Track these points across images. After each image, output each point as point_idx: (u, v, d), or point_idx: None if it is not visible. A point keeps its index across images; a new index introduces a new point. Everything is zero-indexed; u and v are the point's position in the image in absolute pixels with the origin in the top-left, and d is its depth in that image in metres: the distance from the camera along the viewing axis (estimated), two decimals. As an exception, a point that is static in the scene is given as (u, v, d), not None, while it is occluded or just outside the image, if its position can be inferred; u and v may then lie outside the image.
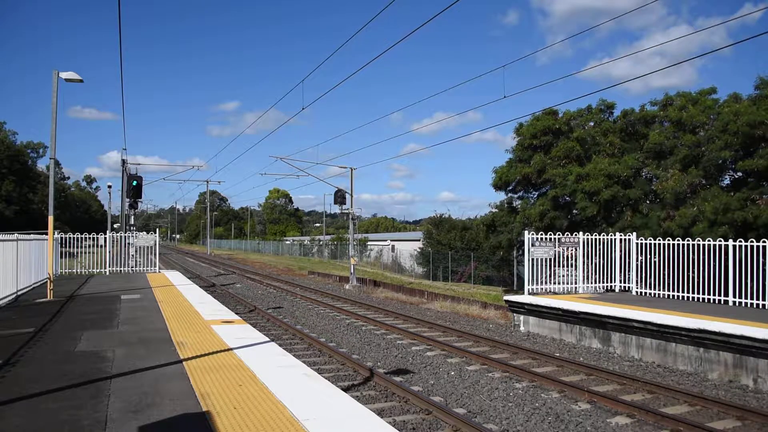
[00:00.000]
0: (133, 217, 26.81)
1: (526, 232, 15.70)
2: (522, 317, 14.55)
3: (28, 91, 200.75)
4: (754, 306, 12.21)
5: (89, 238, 23.27)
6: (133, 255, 22.19)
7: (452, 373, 9.98)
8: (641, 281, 15.12)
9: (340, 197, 29.28)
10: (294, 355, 7.62)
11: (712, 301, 12.97)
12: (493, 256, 30.68)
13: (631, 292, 15.26)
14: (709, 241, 13.29)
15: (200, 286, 18.16)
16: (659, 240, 14.44)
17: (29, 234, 16.20)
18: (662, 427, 7.16)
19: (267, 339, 8.27)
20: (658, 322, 10.69)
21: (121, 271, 21.66)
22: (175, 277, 20.28)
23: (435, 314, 18.02)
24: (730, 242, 12.80)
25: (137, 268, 21.89)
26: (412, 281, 30.45)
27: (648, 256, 14.84)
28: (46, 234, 14.67)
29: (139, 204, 29.94)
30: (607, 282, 15.62)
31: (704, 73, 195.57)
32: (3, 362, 6.51)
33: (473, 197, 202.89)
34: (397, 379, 9.27)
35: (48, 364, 6.53)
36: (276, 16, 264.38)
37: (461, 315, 17.99)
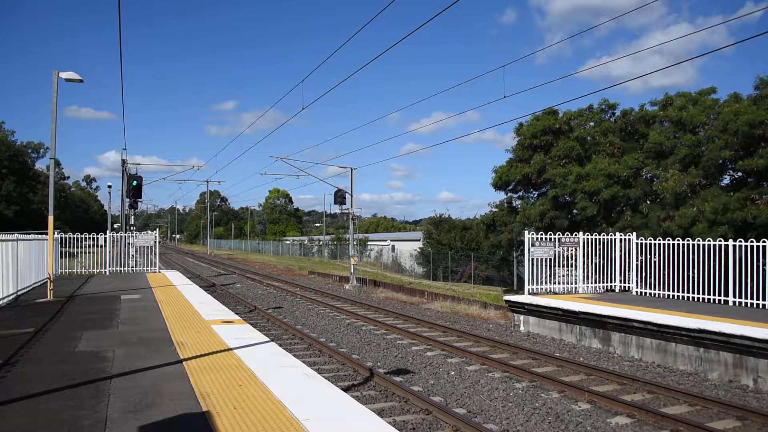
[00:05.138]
0: (133, 217, 26.80)
1: (526, 232, 15.70)
2: (522, 317, 14.54)
3: (28, 91, 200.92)
4: (754, 306, 12.21)
5: (89, 238, 23.27)
6: (133, 255, 22.17)
7: (452, 373, 9.98)
8: (641, 281, 15.12)
9: (340, 197, 29.28)
10: (294, 355, 7.62)
11: (712, 301, 12.97)
12: (493, 256, 30.68)
13: (631, 292, 15.26)
14: (708, 241, 13.29)
15: (200, 286, 18.15)
16: (659, 240, 14.43)
17: (29, 234, 16.19)
18: (662, 427, 7.16)
19: (267, 339, 8.26)
20: (658, 322, 10.69)
21: (121, 271, 21.65)
22: (175, 277, 20.27)
23: (435, 314, 18.02)
24: (730, 242, 12.80)
25: (137, 268, 21.89)
26: (412, 281, 30.45)
27: (648, 256, 14.84)
28: (46, 234, 14.67)
29: (139, 204, 29.96)
30: (607, 282, 15.62)
31: (704, 72, 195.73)
32: (3, 362, 6.51)
33: (473, 197, 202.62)
34: (397, 379, 9.27)
35: (48, 364, 6.53)
36: (276, 16, 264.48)
37: (461, 315, 17.99)
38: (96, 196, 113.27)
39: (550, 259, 14.94)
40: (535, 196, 25.90)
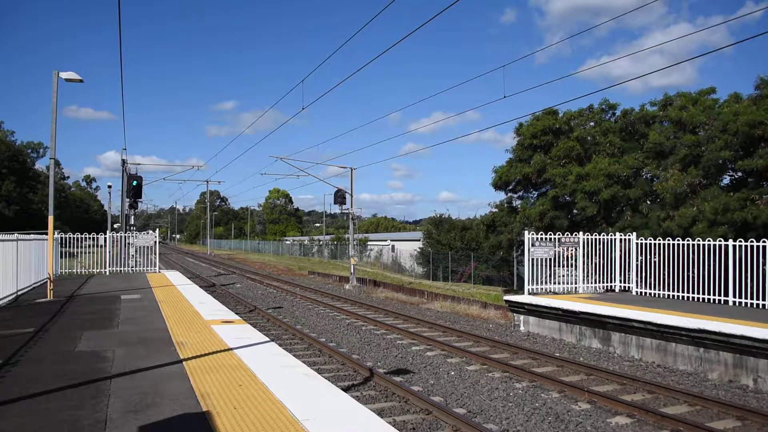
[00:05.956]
0: (133, 217, 26.81)
1: (526, 232, 15.70)
2: (522, 317, 14.54)
3: (28, 91, 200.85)
4: (754, 306, 12.21)
5: (89, 238, 23.27)
6: (133, 255, 22.18)
7: (452, 373, 9.98)
8: (641, 281, 15.12)
9: (340, 197, 29.29)
10: (294, 355, 7.62)
11: (712, 301, 12.97)
12: (493, 256, 30.71)
13: (631, 292, 15.25)
14: (709, 241, 13.29)
15: (200, 286, 18.15)
16: (659, 240, 14.43)
17: (29, 234, 16.19)
18: (662, 427, 7.16)
19: (267, 339, 8.26)
20: (658, 322, 10.69)
21: (121, 271, 21.66)
22: (175, 277, 20.27)
23: (435, 314, 18.02)
24: (730, 242, 12.80)
25: (137, 268, 21.89)
26: (412, 281, 30.46)
27: (648, 256, 14.83)
28: (46, 234, 14.67)
29: (139, 204, 29.97)
30: (607, 282, 15.62)
31: (704, 72, 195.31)
32: (3, 362, 6.51)
33: (473, 197, 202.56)
34: (397, 379, 9.27)
35: (48, 364, 6.53)
36: (276, 16, 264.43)
37: (461, 315, 17.99)
38: (96, 196, 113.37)
39: (550, 259, 14.94)
40: (535, 196, 25.94)
